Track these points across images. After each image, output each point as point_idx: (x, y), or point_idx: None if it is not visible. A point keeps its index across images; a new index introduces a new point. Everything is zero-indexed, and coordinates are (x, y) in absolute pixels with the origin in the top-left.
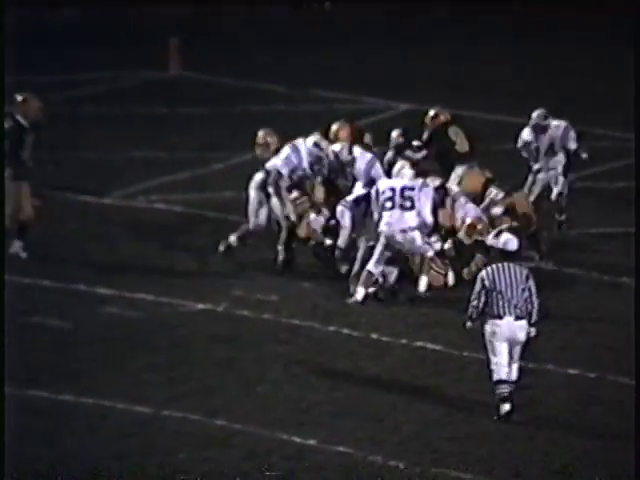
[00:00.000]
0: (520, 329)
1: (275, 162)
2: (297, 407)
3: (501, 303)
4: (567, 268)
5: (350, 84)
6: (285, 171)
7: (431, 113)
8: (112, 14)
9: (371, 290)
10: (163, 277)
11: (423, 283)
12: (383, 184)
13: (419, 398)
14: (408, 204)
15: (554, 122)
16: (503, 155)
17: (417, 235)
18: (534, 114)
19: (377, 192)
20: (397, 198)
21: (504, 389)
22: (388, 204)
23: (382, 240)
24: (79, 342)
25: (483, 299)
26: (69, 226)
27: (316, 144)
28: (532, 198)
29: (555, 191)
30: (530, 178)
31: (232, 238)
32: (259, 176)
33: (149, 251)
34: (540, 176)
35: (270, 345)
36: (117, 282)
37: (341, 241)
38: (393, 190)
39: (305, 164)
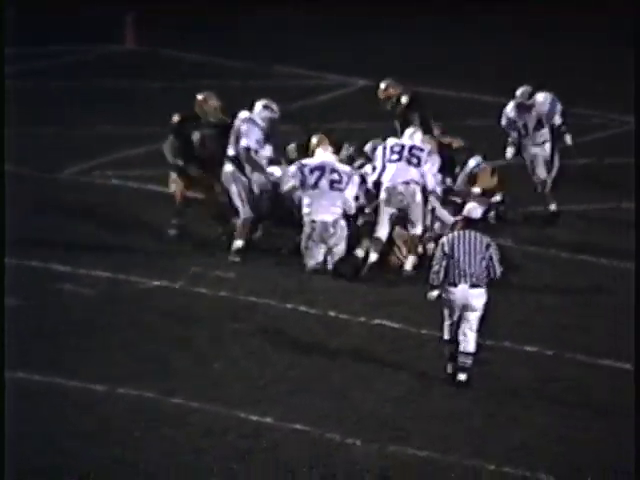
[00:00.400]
0: (475, 297)
1: (238, 144)
2: (254, 385)
3: (457, 271)
4: (526, 245)
5: (310, 61)
6: (253, 144)
7: (382, 86)
8: None
9: (330, 266)
10: (120, 254)
11: (410, 262)
12: (392, 141)
13: (377, 376)
14: (415, 161)
15: (539, 98)
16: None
17: (418, 191)
18: (518, 92)
19: (384, 148)
20: (405, 153)
21: (451, 348)
22: (394, 157)
23: (383, 195)
24: (33, 319)
25: (444, 264)
26: (24, 202)
27: (265, 106)
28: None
29: (548, 176)
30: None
31: (238, 243)
32: (228, 167)
33: (106, 228)
34: (530, 151)
35: (228, 322)
36: (73, 259)
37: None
38: (402, 146)
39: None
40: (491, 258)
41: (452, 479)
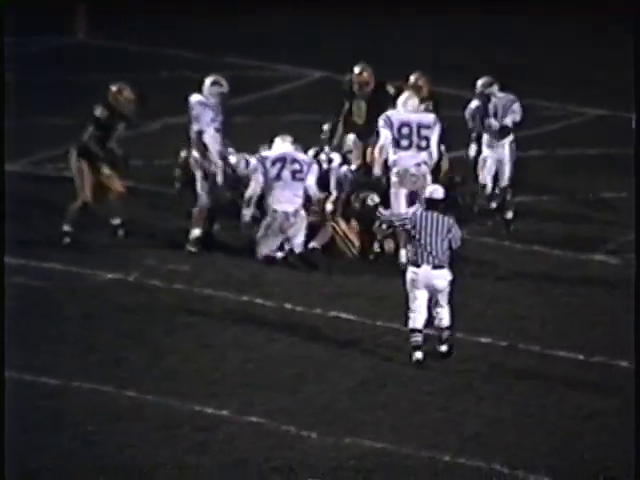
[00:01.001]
0: (437, 277)
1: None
2: (209, 378)
3: (420, 251)
4: (479, 237)
5: (265, 51)
6: (204, 127)
7: (357, 70)
8: None
9: (280, 255)
10: (73, 247)
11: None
12: (397, 118)
13: (332, 368)
14: (424, 144)
15: (500, 93)
16: None
17: (428, 171)
18: (479, 82)
19: (391, 124)
20: (414, 138)
21: (417, 337)
22: (405, 142)
23: (394, 179)
24: None
25: (406, 224)
26: None
27: (214, 82)
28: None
29: (504, 179)
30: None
31: (195, 232)
32: (194, 153)
33: (57, 220)
34: (490, 152)
35: (182, 316)
36: (24, 251)
37: (250, 192)
38: (410, 128)
39: (215, 113)
40: (451, 240)
41: (408, 470)
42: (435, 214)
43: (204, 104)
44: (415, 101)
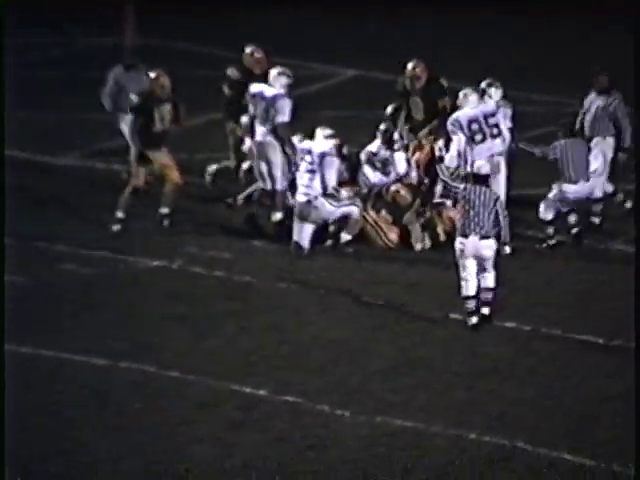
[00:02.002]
0: (485, 247)
1: (270, 119)
2: (247, 360)
3: (467, 222)
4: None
5: (300, 50)
6: (287, 118)
7: (410, 66)
8: None
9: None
10: (120, 235)
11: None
12: (464, 118)
13: (364, 351)
14: (495, 131)
15: (496, 95)
16: None
17: (502, 160)
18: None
19: (461, 126)
20: (485, 128)
21: (470, 303)
22: (478, 137)
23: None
24: (38, 298)
25: (458, 192)
26: (28, 186)
27: (281, 73)
28: None
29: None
30: None
31: (278, 215)
32: (269, 138)
33: (106, 210)
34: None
35: (222, 301)
36: (75, 240)
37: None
38: (479, 122)
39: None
40: (497, 212)
41: (436, 447)
42: (482, 188)
43: (283, 96)
44: (474, 95)
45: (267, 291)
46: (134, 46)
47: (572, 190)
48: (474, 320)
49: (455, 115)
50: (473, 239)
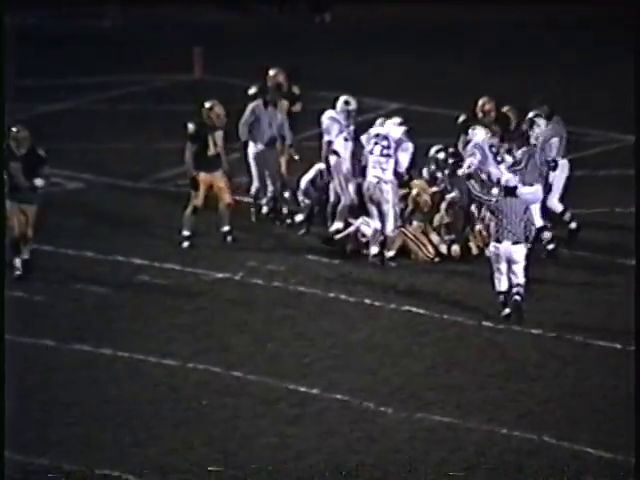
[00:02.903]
0: (516, 251)
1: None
2: (301, 362)
3: (500, 230)
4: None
5: (347, 85)
6: (332, 138)
7: (480, 102)
8: (142, 24)
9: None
10: (188, 250)
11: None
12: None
13: (406, 354)
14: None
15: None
16: None
17: None
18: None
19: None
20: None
21: (502, 297)
22: (499, 158)
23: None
24: (116, 305)
25: (491, 203)
26: (108, 205)
27: (345, 102)
28: None
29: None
30: None
31: (339, 225)
32: (333, 158)
33: (176, 228)
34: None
35: (279, 309)
36: (149, 253)
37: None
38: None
39: (343, 125)
40: (528, 219)
41: (470, 441)
42: (513, 199)
43: (334, 118)
44: (543, 120)
45: (319, 300)
46: (203, 82)
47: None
48: (507, 311)
49: (477, 140)
50: (506, 244)
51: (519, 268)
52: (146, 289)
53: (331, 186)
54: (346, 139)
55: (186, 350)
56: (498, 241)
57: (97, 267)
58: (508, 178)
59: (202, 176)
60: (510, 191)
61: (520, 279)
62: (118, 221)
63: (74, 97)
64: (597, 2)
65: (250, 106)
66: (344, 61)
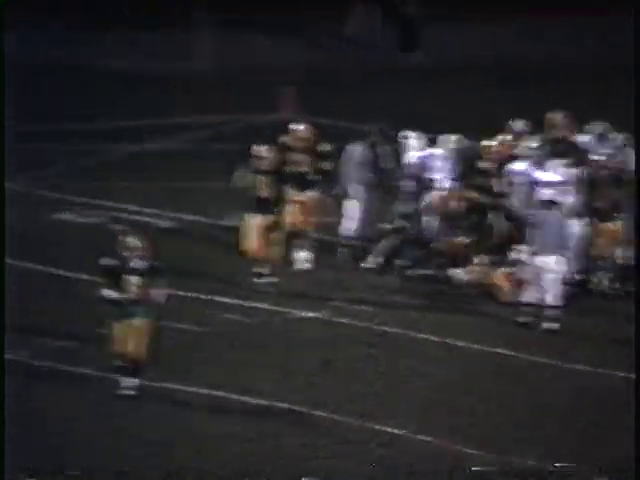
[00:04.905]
0: (551, 263)
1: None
2: (388, 401)
3: (537, 242)
4: None
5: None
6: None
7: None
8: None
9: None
10: (276, 291)
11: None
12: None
13: (493, 396)
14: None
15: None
16: None
17: None
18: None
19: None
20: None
21: (527, 309)
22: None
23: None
24: (206, 342)
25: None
26: (190, 245)
27: (457, 140)
28: None
29: None
30: None
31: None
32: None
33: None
34: None
35: (363, 347)
36: (236, 293)
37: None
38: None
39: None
40: (565, 232)
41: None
42: (549, 214)
43: (444, 158)
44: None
45: (402, 339)
46: (295, 120)
47: None
48: (523, 319)
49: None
50: (541, 257)
51: (556, 281)
52: (234, 327)
53: None
54: (453, 179)
55: (270, 387)
56: (534, 253)
57: (186, 305)
58: (544, 193)
59: None
60: (546, 206)
61: (556, 299)
62: (202, 261)
63: (166, 137)
64: None
65: None
66: (422, 95)
